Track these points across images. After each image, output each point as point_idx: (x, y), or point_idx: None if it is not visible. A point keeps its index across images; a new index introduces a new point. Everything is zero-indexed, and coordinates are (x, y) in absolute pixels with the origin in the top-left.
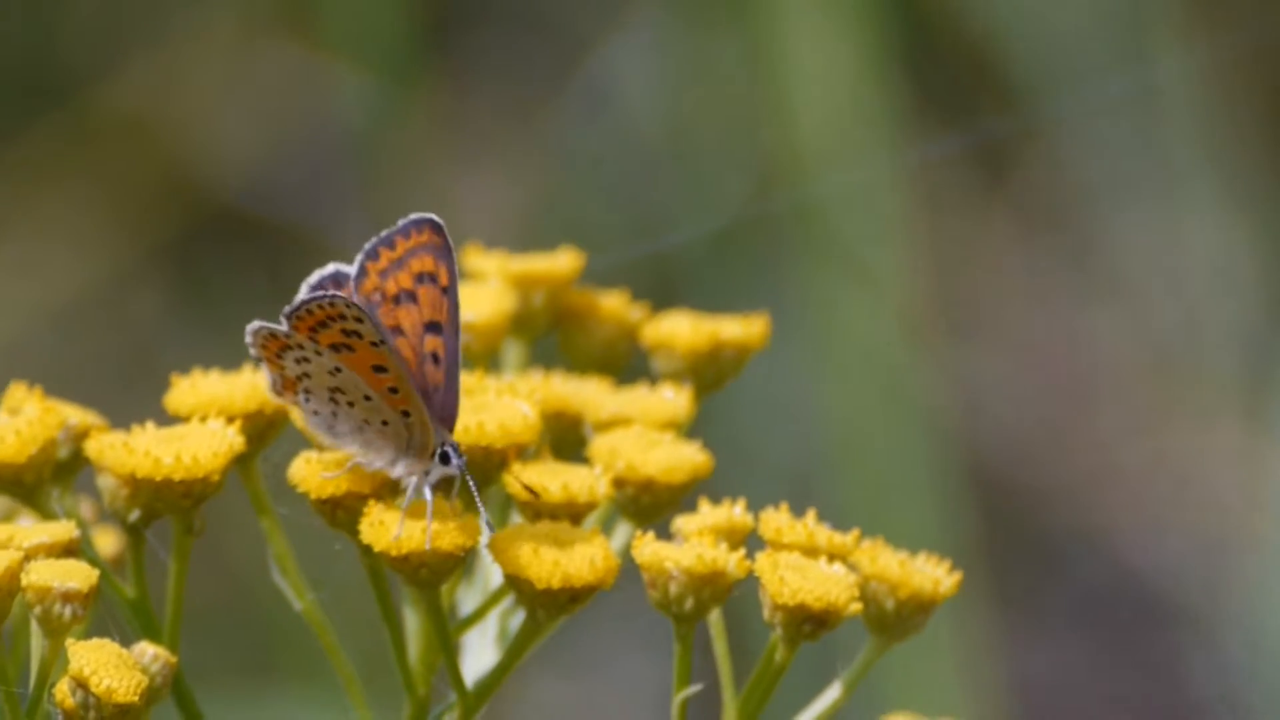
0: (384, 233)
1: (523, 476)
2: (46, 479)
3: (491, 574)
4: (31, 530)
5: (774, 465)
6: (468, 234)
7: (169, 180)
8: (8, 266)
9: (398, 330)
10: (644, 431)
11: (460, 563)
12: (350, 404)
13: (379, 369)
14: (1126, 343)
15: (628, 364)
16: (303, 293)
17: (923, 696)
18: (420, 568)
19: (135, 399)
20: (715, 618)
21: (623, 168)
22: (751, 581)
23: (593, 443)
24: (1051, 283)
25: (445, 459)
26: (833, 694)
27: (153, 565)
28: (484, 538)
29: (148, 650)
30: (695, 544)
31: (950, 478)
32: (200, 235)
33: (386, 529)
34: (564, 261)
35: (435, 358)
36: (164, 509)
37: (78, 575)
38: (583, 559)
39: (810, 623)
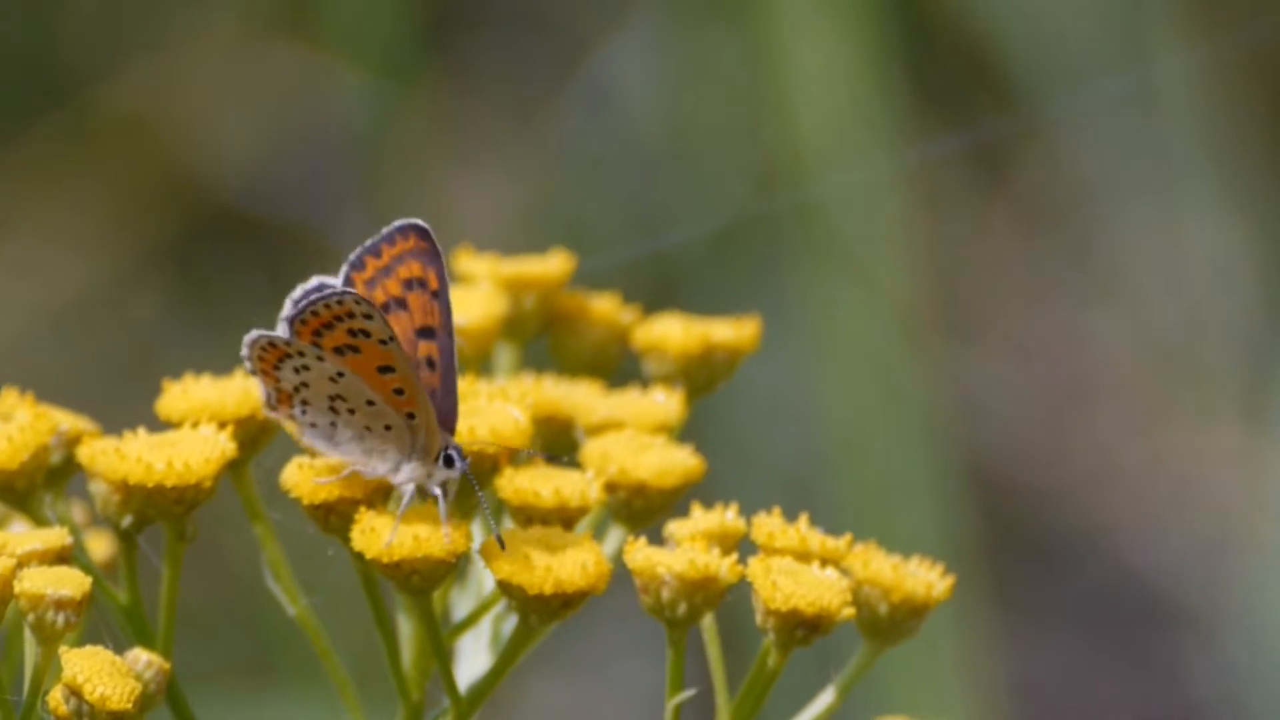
0: (368, 241)
1: (516, 479)
2: (39, 485)
3: (485, 579)
4: (24, 537)
5: (773, 466)
6: (467, 234)
7: (169, 180)
8: (8, 266)
9: None
10: (636, 435)
11: (452, 569)
12: (351, 411)
13: (385, 370)
14: (1126, 343)
15: (619, 367)
16: (288, 308)
17: (922, 696)
18: (412, 574)
19: (135, 399)
20: (708, 622)
21: (623, 168)
22: (745, 586)
23: (584, 446)
24: (1051, 283)
25: (449, 462)
26: (826, 699)
27: (145, 571)
28: (475, 543)
29: (141, 657)
30: (687, 549)
31: (950, 478)
32: (200, 235)
33: (378, 536)
34: (555, 264)
35: (430, 362)
36: (156, 515)
37: (71, 583)
38: (575, 564)
39: (803, 628)
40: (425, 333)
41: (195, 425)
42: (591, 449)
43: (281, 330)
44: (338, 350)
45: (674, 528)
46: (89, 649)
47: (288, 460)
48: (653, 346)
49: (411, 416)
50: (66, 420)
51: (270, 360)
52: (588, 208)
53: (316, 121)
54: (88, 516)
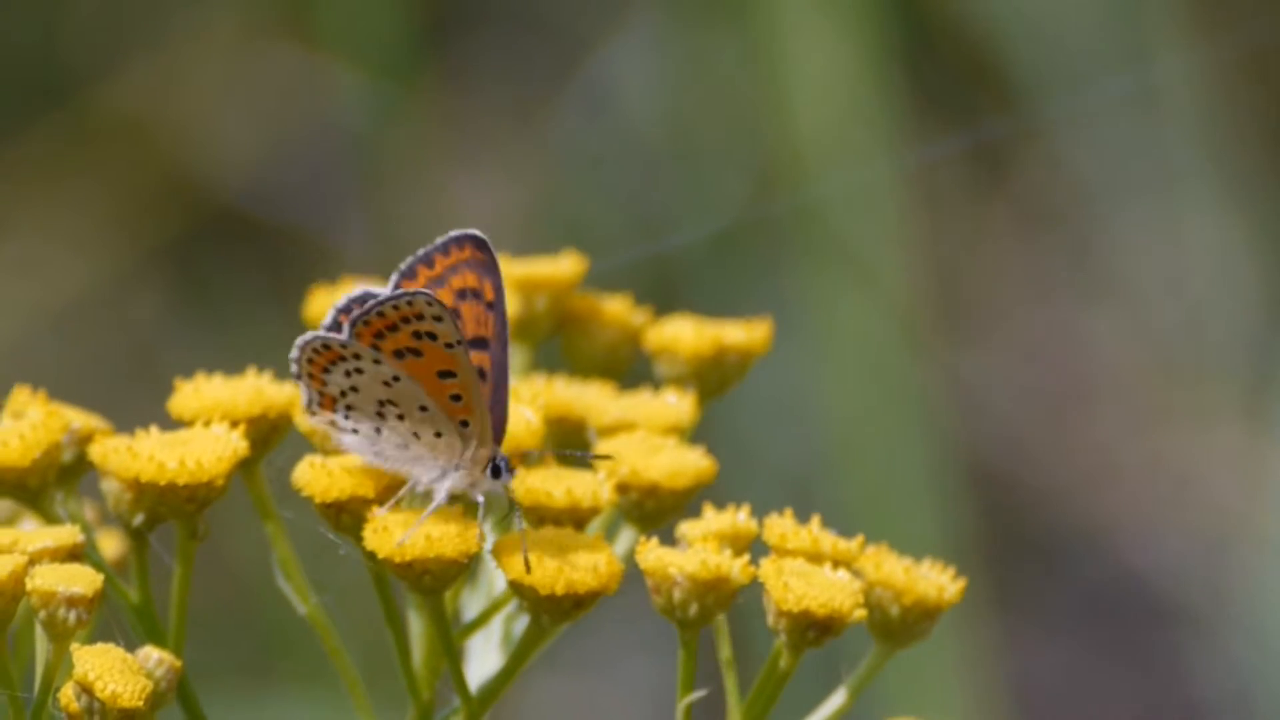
0: (421, 250)
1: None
2: (50, 483)
3: (496, 579)
4: (36, 534)
5: (775, 467)
6: None
7: (169, 181)
8: (8, 266)
9: None
10: (648, 436)
11: (464, 569)
12: (400, 417)
13: (445, 375)
14: (1126, 343)
15: (631, 368)
16: (329, 316)
17: (923, 696)
18: (424, 574)
19: (135, 399)
20: (720, 623)
21: (623, 168)
22: (756, 587)
23: (596, 448)
24: (1051, 283)
25: (496, 472)
26: (837, 700)
27: (157, 569)
28: (488, 544)
29: (152, 655)
30: (699, 550)
31: (950, 478)
32: (200, 236)
33: (390, 535)
34: (567, 265)
35: (481, 373)
36: (168, 513)
37: (82, 580)
38: (587, 565)
39: (815, 629)
40: (477, 343)
41: (207, 424)
42: (603, 450)
43: (342, 332)
44: (398, 354)
45: (686, 528)
46: (100, 646)
47: (298, 459)
48: (665, 348)
49: (465, 424)
50: (78, 418)
51: (320, 364)
52: (588, 208)
53: (316, 122)
54: (99, 514)
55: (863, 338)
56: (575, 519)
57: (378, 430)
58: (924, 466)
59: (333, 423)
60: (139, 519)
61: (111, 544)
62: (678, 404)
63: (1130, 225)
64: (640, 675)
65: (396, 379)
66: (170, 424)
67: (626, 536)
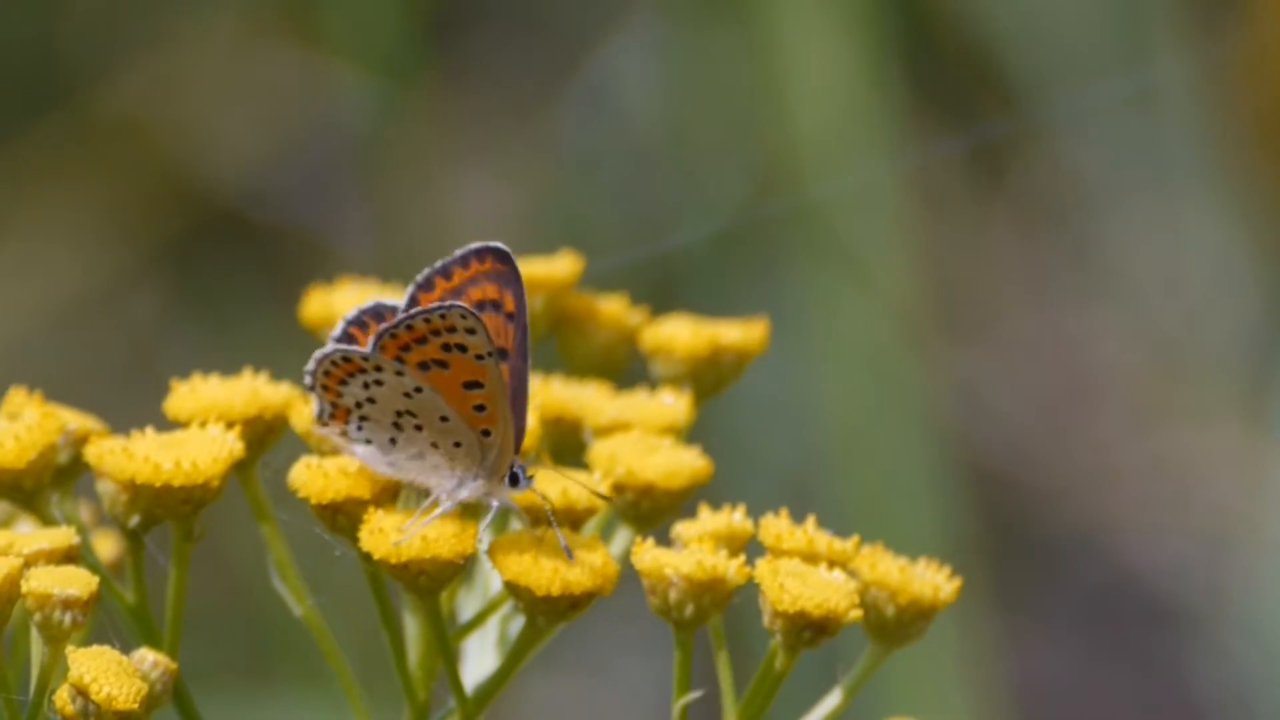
0: (439, 263)
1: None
2: (46, 484)
3: (492, 579)
4: (31, 536)
5: (773, 467)
6: (467, 234)
7: (169, 181)
8: (8, 266)
9: None
10: (643, 436)
11: (460, 570)
12: (419, 427)
13: (471, 385)
14: (1126, 343)
15: (627, 368)
16: (339, 328)
17: (922, 697)
18: (420, 575)
19: (135, 399)
20: (716, 623)
21: (623, 168)
22: (752, 587)
23: (592, 448)
24: (1051, 282)
25: (515, 481)
26: (833, 700)
27: (152, 570)
28: (484, 544)
29: (148, 657)
30: (695, 550)
31: (950, 478)
32: (200, 237)
33: (386, 536)
34: (563, 265)
35: None
36: (164, 515)
37: (78, 582)
38: (582, 565)
39: (810, 629)
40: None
41: (203, 425)
42: (599, 450)
43: (356, 344)
44: (423, 365)
45: (682, 529)
46: (95, 649)
47: (295, 460)
48: (661, 348)
49: (486, 434)
50: (74, 419)
51: (338, 375)
52: (586, 208)
53: (316, 122)
54: (95, 516)
55: (862, 338)
56: (571, 520)
57: (392, 441)
58: (923, 466)
59: (344, 433)
60: (135, 520)
61: (107, 545)
62: (674, 404)
63: (1130, 225)
64: (636, 676)
65: (419, 390)
66: (167, 425)
67: (622, 537)
